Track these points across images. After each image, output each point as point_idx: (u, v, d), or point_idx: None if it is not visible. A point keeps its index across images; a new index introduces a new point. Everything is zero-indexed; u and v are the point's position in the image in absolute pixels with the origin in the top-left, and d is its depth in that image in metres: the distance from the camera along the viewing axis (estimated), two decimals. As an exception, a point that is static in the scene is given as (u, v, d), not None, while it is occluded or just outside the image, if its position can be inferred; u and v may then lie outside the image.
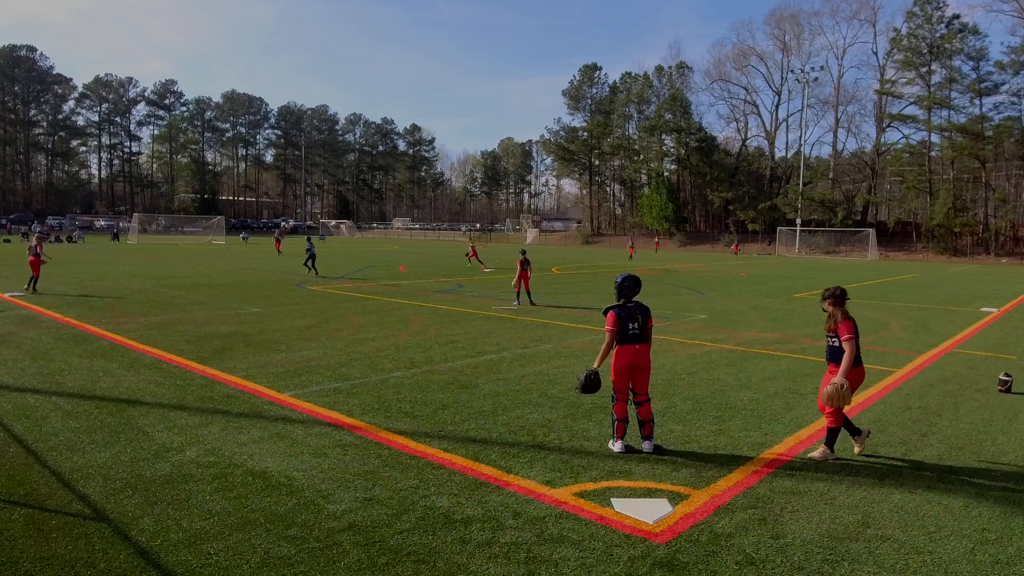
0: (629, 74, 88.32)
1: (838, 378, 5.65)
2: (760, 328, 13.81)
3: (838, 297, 5.95)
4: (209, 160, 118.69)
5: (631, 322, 5.95)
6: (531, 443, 6.14)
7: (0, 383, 7.93)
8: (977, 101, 61.79)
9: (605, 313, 6.07)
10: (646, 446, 6.00)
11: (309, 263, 25.51)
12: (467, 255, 34.41)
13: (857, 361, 5.86)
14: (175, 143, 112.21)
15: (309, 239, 27.76)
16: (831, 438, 5.88)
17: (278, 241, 42.09)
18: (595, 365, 5.99)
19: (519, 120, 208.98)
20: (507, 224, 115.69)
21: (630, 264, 38.62)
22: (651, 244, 65.73)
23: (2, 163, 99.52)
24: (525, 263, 16.73)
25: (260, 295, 17.83)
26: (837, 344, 5.84)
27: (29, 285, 17.39)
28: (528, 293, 16.94)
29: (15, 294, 16.54)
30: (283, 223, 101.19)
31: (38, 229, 56.65)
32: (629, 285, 6.07)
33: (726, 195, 75.33)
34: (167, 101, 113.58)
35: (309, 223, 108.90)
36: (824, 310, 6.01)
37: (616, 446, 5.96)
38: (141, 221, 70.29)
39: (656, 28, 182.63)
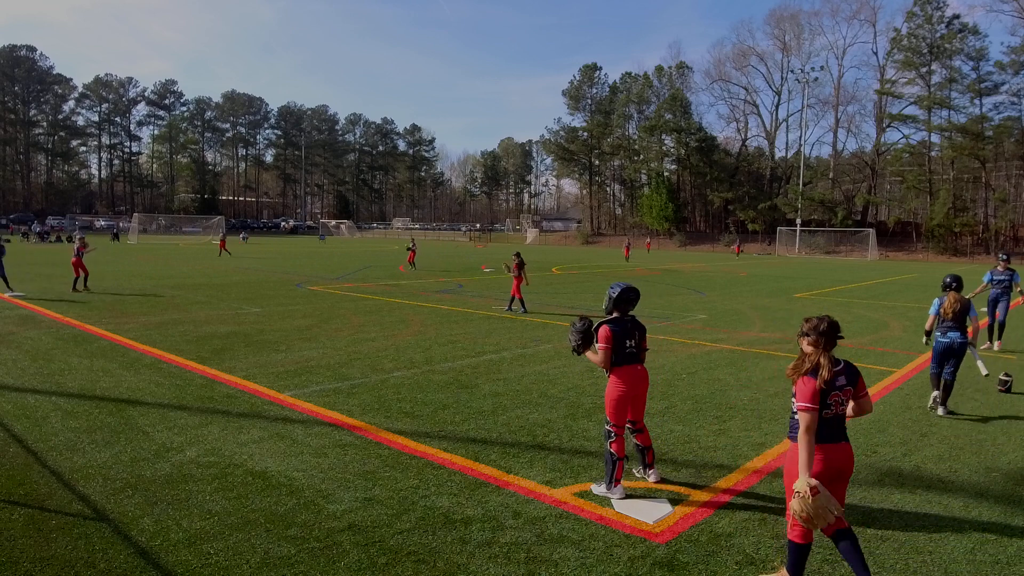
0: (629, 74, 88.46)
1: (799, 483, 3.38)
2: (760, 328, 13.81)
3: (825, 334, 3.59)
4: (209, 160, 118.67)
5: (628, 339, 5.11)
6: (531, 443, 6.14)
7: (0, 383, 7.93)
8: (977, 101, 61.82)
9: (595, 329, 5.14)
10: (652, 476, 5.30)
11: None
12: (409, 250, 31.64)
13: (826, 436, 3.54)
14: (175, 143, 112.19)
15: None
16: (795, 561, 3.70)
17: (223, 241, 37.80)
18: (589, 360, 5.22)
19: (519, 120, 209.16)
20: (507, 224, 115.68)
21: (627, 265, 38.59)
22: (645, 245, 65.49)
23: (2, 163, 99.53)
24: (520, 266, 15.68)
25: (260, 295, 17.83)
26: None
27: (80, 285, 17.55)
28: (516, 300, 15.57)
29: (16, 294, 16.53)
30: (283, 222, 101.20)
31: (38, 229, 56.57)
32: (627, 298, 5.20)
33: (726, 195, 75.34)
34: (167, 101, 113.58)
35: (309, 223, 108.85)
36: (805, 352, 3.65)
37: (615, 492, 4.93)
38: (141, 221, 70.16)
39: (657, 28, 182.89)
